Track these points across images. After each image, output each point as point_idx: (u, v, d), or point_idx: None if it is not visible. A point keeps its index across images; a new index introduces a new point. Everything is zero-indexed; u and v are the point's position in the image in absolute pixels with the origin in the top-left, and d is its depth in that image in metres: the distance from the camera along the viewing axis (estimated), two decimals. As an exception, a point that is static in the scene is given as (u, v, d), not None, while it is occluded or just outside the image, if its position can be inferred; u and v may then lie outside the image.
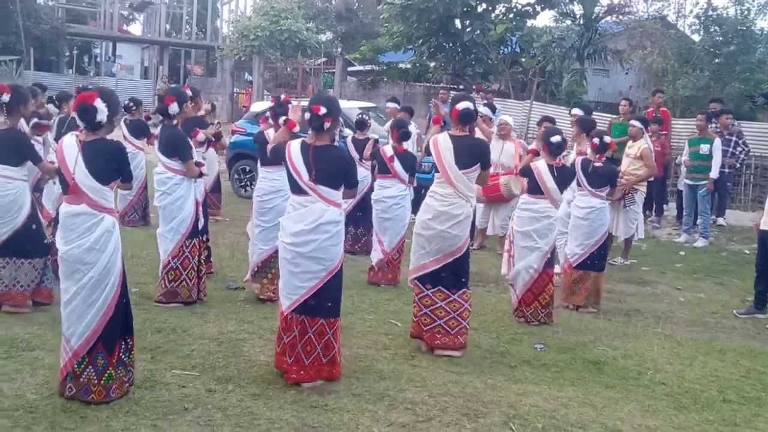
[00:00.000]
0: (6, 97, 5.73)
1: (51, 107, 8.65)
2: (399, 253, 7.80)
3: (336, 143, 5.02)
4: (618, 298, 7.90)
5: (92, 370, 4.22)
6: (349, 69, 26.30)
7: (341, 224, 4.73)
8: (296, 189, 4.73)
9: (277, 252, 5.88)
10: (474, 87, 18.54)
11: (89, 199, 4.22)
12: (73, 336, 4.23)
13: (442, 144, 5.54)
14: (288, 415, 4.25)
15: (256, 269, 6.74)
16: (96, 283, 4.21)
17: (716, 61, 16.83)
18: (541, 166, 6.54)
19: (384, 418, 4.31)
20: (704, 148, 10.61)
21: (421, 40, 20.55)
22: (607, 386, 5.22)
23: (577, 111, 9.78)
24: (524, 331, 6.36)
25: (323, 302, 4.71)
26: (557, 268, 8.48)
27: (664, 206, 12.59)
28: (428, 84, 21.27)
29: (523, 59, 20.02)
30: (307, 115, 4.71)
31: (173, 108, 6.28)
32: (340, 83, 24.13)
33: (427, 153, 5.82)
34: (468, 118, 5.57)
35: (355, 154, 8.86)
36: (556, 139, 6.46)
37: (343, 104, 13.76)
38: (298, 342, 4.69)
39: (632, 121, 9.54)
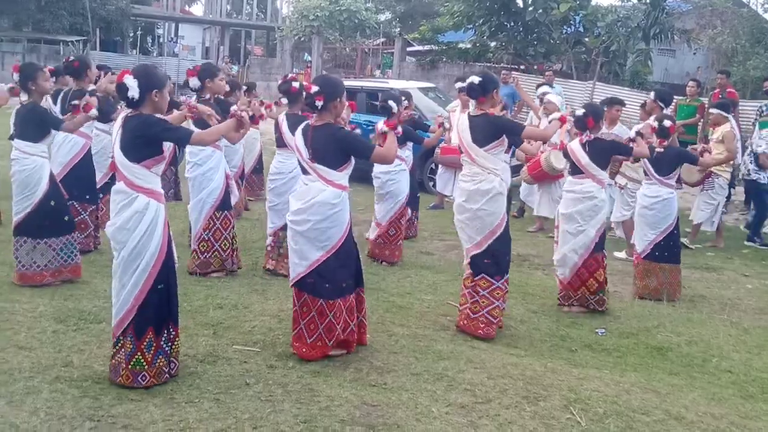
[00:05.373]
0: (16, 76, 6.01)
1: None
2: (396, 230, 7.68)
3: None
4: (682, 283, 7.70)
5: (122, 354, 4.18)
6: (408, 49, 26.16)
7: (338, 207, 4.65)
8: (302, 168, 4.81)
9: (281, 230, 6.58)
10: (535, 67, 18.29)
11: (123, 177, 4.18)
12: (113, 313, 4.25)
13: (461, 124, 5.63)
14: (347, 393, 4.28)
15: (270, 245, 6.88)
16: (127, 264, 4.15)
17: (790, 41, 16.25)
18: (573, 144, 6.43)
19: (443, 398, 4.30)
20: (776, 131, 10.24)
21: (481, 20, 20.31)
22: (670, 373, 5.11)
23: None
24: (585, 315, 6.27)
25: (321, 283, 4.68)
26: (622, 254, 8.34)
27: (732, 190, 12.20)
28: (488, 64, 21.00)
29: (586, 39, 19.64)
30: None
31: (194, 82, 6.45)
32: (398, 63, 24.05)
33: None
34: (470, 92, 5.54)
35: None
36: (578, 112, 6.36)
37: (402, 84, 13.76)
38: (300, 318, 4.73)
39: (711, 110, 9.28)
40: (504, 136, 5.49)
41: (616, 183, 8.71)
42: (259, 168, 10.84)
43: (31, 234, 5.96)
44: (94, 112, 6.05)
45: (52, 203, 6.00)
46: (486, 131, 5.44)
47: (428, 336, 5.44)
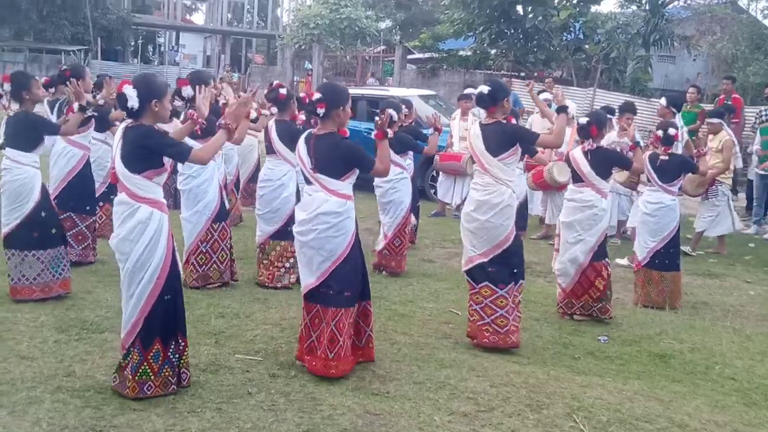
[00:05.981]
0: (8, 87, 5.86)
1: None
2: (401, 239, 7.52)
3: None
4: (684, 290, 7.66)
5: (131, 367, 4.15)
6: (409, 57, 26.25)
7: (344, 216, 4.58)
8: (305, 178, 4.74)
9: (270, 239, 6.68)
10: (536, 74, 18.33)
11: (125, 188, 4.14)
12: (122, 325, 4.23)
13: (473, 133, 5.51)
14: (350, 401, 4.27)
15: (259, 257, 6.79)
16: (132, 276, 4.14)
17: (790, 47, 16.30)
18: (576, 152, 6.38)
19: (445, 406, 4.30)
20: (777, 137, 10.27)
21: (482, 27, 20.40)
22: (673, 380, 5.10)
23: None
24: (587, 323, 6.25)
25: (328, 292, 4.60)
26: (624, 261, 8.32)
27: (733, 196, 12.21)
28: (489, 71, 21.07)
29: (586, 46, 19.71)
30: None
31: (187, 91, 6.07)
32: (399, 71, 24.11)
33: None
34: (479, 102, 5.47)
35: None
36: (581, 120, 6.34)
37: (403, 92, 13.77)
38: (312, 330, 4.64)
39: (708, 120, 9.25)
40: (518, 144, 5.37)
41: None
42: (256, 177, 10.75)
43: (19, 246, 5.80)
44: (86, 101, 5.95)
45: (43, 214, 5.82)
46: (499, 139, 5.29)
47: (430, 344, 5.43)
